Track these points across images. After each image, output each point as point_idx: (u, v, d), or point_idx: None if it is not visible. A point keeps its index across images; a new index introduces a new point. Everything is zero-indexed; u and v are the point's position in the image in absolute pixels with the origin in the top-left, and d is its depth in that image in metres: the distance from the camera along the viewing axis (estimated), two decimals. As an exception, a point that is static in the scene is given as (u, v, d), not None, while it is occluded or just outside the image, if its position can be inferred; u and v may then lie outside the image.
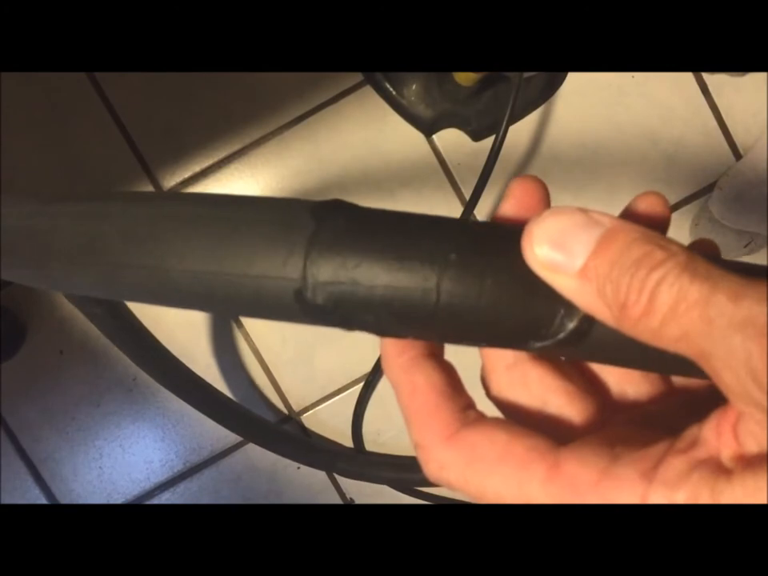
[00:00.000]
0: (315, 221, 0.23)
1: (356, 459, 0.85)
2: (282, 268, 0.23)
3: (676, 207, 0.88)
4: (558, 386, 0.27)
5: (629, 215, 0.27)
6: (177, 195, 0.26)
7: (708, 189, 0.87)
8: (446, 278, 0.23)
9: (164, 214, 0.25)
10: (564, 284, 0.22)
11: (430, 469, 0.25)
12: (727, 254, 0.86)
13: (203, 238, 0.24)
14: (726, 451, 0.21)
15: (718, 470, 0.21)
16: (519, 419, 0.26)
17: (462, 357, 0.29)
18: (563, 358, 0.29)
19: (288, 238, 0.23)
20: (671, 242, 0.21)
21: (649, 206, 0.27)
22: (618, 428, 0.25)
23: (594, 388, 0.28)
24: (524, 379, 0.28)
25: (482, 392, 0.29)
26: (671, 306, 0.20)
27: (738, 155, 0.87)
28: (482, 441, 0.24)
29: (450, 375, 0.27)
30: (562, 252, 0.22)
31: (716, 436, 0.21)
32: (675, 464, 0.21)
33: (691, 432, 0.22)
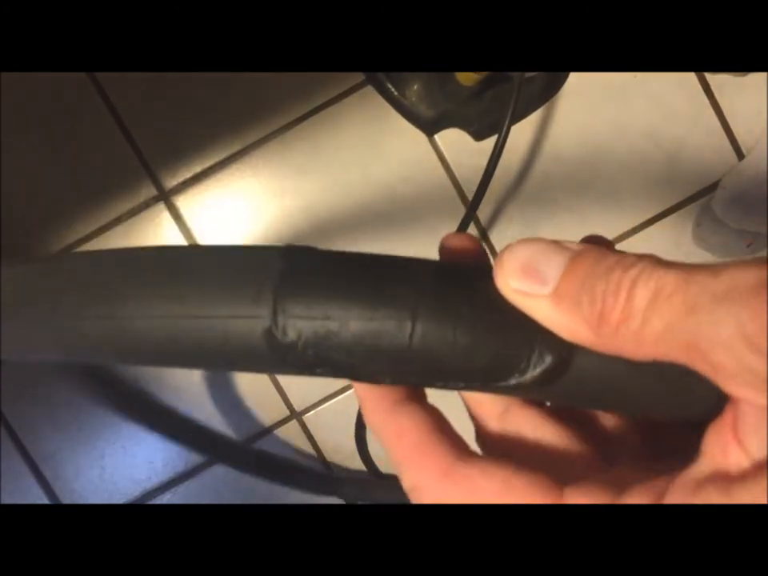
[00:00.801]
0: (285, 260, 0.23)
1: (361, 484, 0.85)
2: (251, 306, 0.22)
3: (678, 207, 0.88)
4: (554, 430, 0.27)
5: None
6: (135, 248, 0.25)
7: (710, 188, 0.87)
8: (420, 313, 0.22)
9: (119, 262, 0.24)
10: (539, 308, 0.22)
11: (428, 501, 0.25)
12: (730, 254, 0.86)
13: (164, 282, 0.23)
14: (732, 460, 0.20)
15: (729, 478, 0.20)
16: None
17: (450, 408, 0.29)
18: (548, 403, 0.29)
19: (257, 276, 0.22)
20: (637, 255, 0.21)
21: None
22: (619, 470, 0.25)
23: (592, 432, 0.28)
24: (518, 427, 0.27)
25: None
26: (650, 300, 0.20)
27: (740, 155, 0.87)
28: (480, 475, 0.24)
29: (436, 417, 0.26)
30: (534, 276, 0.22)
31: (719, 447, 0.21)
32: (683, 485, 0.21)
33: (693, 458, 0.22)
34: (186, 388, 0.87)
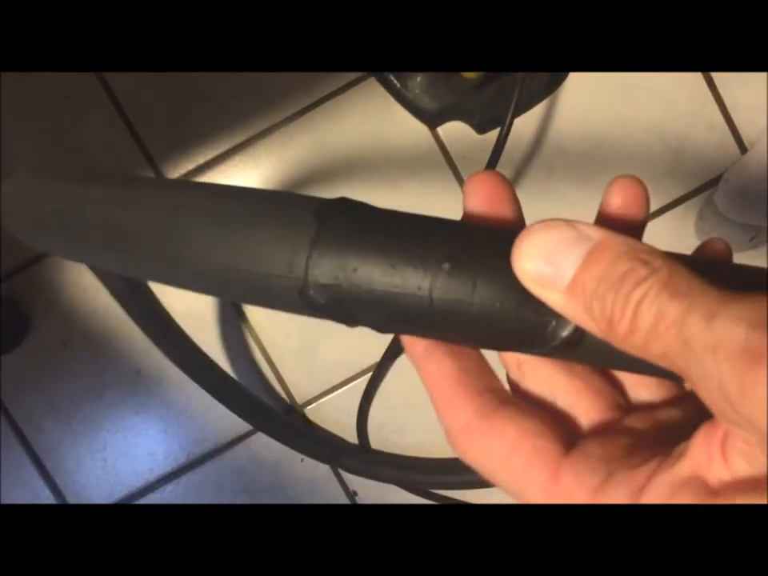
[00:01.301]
0: (318, 221, 0.24)
1: (360, 456, 0.85)
2: (287, 268, 0.24)
3: (681, 201, 0.87)
4: (566, 384, 0.28)
5: (607, 200, 0.27)
6: (193, 186, 0.27)
7: (713, 182, 0.87)
8: (438, 283, 0.24)
9: (183, 206, 0.26)
10: (553, 299, 0.23)
11: (457, 452, 0.26)
12: (732, 248, 0.85)
13: (216, 234, 0.25)
14: (714, 470, 0.21)
15: (704, 489, 0.21)
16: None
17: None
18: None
19: (292, 238, 0.24)
20: (656, 255, 0.21)
21: (624, 190, 0.27)
22: (622, 436, 0.25)
23: (607, 388, 0.28)
24: (533, 377, 0.28)
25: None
26: (652, 325, 0.20)
27: (743, 149, 0.87)
28: (493, 434, 0.25)
29: (466, 359, 0.27)
30: (550, 268, 0.22)
31: (704, 452, 0.21)
32: (661, 485, 0.22)
33: (681, 447, 0.23)
34: (189, 380, 0.87)
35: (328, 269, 0.24)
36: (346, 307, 0.25)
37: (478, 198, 0.27)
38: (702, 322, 0.19)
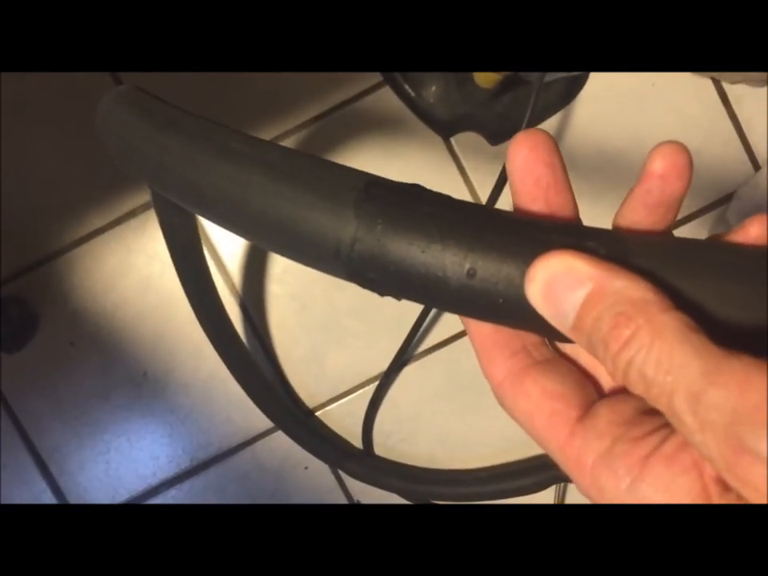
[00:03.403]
0: (357, 222, 0.26)
1: (365, 462, 0.85)
2: (334, 260, 0.27)
3: (693, 216, 0.87)
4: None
5: (649, 166, 0.28)
6: (256, 156, 0.30)
7: (726, 199, 0.86)
8: (461, 273, 0.25)
9: (247, 182, 0.29)
10: (563, 331, 0.25)
11: (499, 403, 0.29)
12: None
13: (272, 210, 0.28)
14: (709, 470, 0.22)
15: (698, 481, 0.22)
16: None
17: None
18: None
19: (335, 243, 0.27)
20: (640, 310, 0.22)
21: (665, 158, 0.27)
22: (635, 397, 0.26)
23: None
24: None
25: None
26: (643, 390, 0.22)
27: (756, 166, 0.86)
28: (520, 394, 0.28)
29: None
30: (555, 310, 0.24)
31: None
32: (659, 468, 0.23)
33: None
34: (195, 383, 0.87)
35: (370, 262, 0.26)
36: (382, 286, 0.27)
37: (518, 161, 0.29)
38: (687, 406, 0.20)
